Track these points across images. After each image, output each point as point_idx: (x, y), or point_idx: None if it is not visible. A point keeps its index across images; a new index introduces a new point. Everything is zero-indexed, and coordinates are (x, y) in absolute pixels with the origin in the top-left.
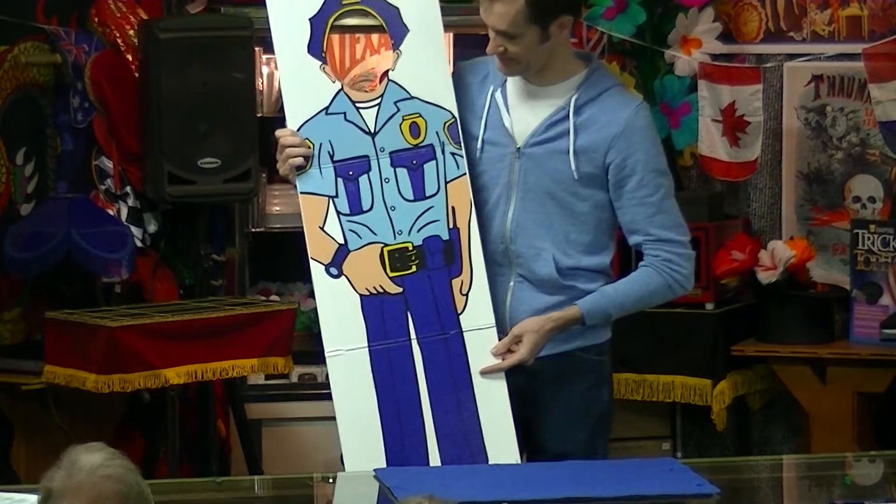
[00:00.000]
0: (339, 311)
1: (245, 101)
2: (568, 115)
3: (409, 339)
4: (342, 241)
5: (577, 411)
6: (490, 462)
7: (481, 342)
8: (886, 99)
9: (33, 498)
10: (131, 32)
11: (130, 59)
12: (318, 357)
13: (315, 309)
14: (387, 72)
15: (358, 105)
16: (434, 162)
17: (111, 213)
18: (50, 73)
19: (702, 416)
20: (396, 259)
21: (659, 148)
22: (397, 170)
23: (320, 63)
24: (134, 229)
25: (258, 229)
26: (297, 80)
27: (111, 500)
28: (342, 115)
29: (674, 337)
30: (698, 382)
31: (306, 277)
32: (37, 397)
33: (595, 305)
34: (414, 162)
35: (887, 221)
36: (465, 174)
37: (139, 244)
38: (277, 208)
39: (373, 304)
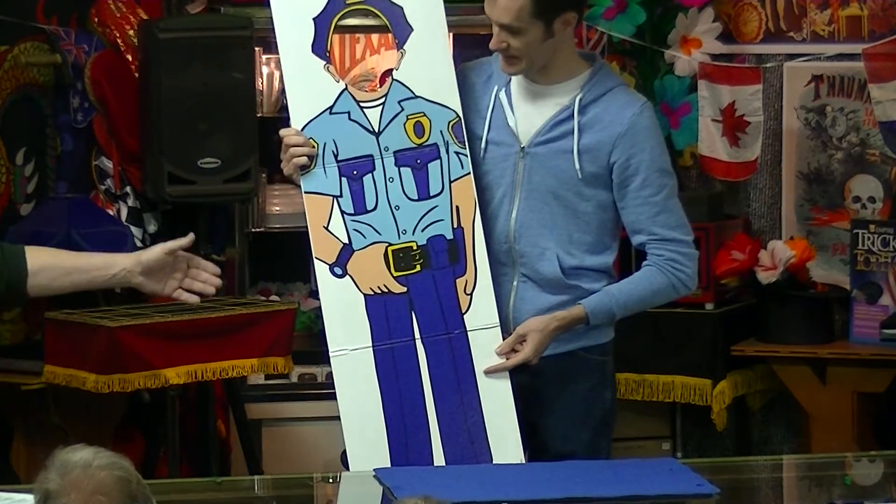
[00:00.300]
0: (343, 310)
1: (245, 101)
2: (572, 115)
3: (414, 339)
4: (346, 241)
5: (580, 411)
6: (494, 461)
7: (485, 341)
8: (886, 99)
9: (32, 498)
10: (131, 32)
11: (130, 59)
12: (318, 357)
13: (315, 309)
14: (388, 71)
15: (362, 104)
16: (438, 161)
17: (111, 213)
18: (50, 73)
19: (702, 416)
20: (401, 258)
21: (663, 148)
22: (401, 169)
23: (324, 63)
24: (134, 229)
25: (258, 229)
26: (300, 80)
27: (113, 488)
28: (346, 115)
29: (674, 337)
30: (698, 382)
31: (306, 277)
32: (36, 397)
33: (599, 305)
34: (418, 161)
35: (887, 221)
36: (469, 173)
37: (139, 244)
38: (277, 208)
39: (377, 304)
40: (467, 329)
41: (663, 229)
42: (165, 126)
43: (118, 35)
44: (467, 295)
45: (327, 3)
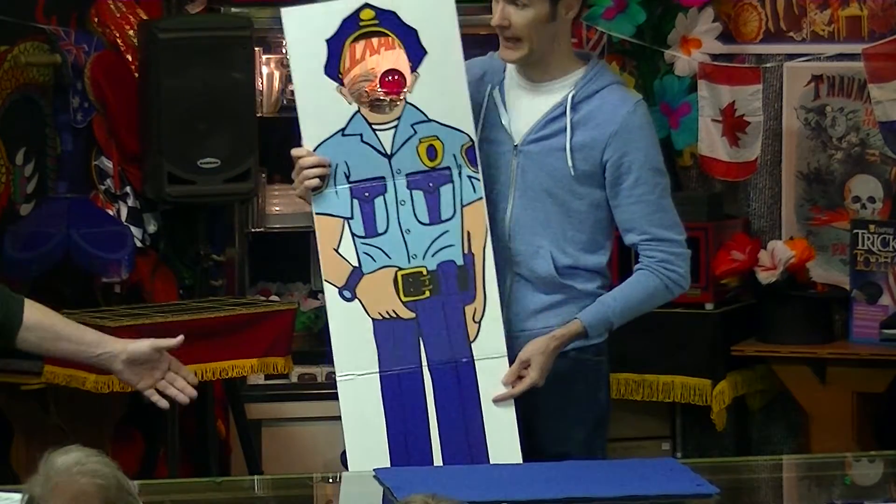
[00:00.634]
0: (351, 335)
1: (245, 101)
2: (565, 112)
3: (421, 366)
4: (356, 264)
5: (576, 412)
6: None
7: (492, 372)
8: (886, 99)
9: None
10: (131, 32)
11: (130, 59)
12: (317, 357)
13: (315, 309)
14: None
15: (375, 127)
16: (451, 185)
17: (111, 213)
18: (50, 73)
19: (701, 416)
20: (410, 283)
21: (656, 146)
22: (413, 192)
23: (337, 84)
24: (134, 229)
25: (258, 229)
26: (313, 101)
27: (91, 496)
28: (359, 137)
29: (674, 337)
30: (698, 382)
31: (306, 277)
32: (36, 397)
33: (596, 316)
34: (430, 185)
35: (887, 221)
36: (481, 198)
37: (139, 244)
38: (277, 208)
39: (385, 329)
40: (475, 358)
41: (656, 228)
42: (165, 126)
43: (118, 35)
44: (476, 323)
45: (341, 25)
